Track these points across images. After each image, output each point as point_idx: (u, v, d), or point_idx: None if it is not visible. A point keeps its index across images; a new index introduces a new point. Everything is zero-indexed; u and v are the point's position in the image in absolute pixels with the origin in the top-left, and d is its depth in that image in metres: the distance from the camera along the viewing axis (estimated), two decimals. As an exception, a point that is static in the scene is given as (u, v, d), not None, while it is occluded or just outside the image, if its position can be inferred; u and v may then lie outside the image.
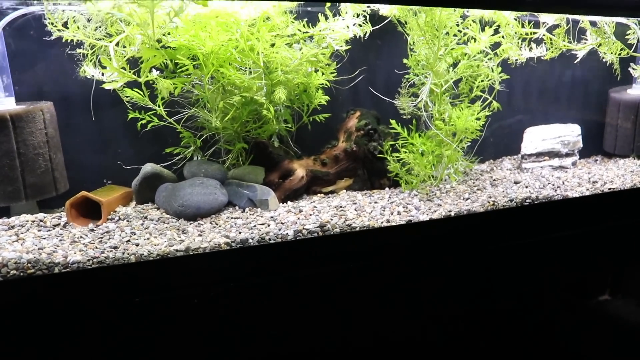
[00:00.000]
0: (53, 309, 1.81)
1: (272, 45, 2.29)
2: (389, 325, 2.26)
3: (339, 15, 2.42)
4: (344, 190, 2.56)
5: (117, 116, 2.42)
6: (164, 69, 2.24)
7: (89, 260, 1.86)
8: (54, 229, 2.11)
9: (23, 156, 2.18)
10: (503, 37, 2.62)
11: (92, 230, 2.09)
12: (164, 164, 2.46)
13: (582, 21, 2.83)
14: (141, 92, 2.24)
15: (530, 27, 2.71)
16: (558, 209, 2.53)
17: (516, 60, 2.75)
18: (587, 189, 2.62)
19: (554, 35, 2.80)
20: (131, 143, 2.50)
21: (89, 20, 2.14)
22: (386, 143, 2.54)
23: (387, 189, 2.59)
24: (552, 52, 2.82)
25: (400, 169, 2.50)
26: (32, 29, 2.25)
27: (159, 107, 2.30)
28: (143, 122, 2.33)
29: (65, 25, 2.13)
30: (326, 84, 2.48)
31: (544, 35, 2.78)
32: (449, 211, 2.33)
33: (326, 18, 2.39)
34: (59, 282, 1.84)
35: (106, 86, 2.11)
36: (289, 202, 2.39)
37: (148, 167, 2.36)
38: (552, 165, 2.96)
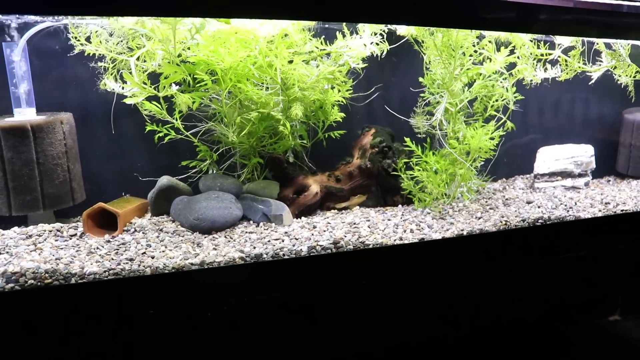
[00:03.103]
0: (70, 319, 1.83)
1: (290, 62, 2.32)
2: (400, 342, 2.26)
3: (357, 33, 2.44)
4: (358, 207, 2.57)
5: (134, 128, 2.45)
6: (182, 82, 2.27)
7: (105, 271, 1.88)
8: (70, 239, 2.13)
9: (42, 166, 2.21)
10: (518, 57, 2.64)
11: (108, 241, 2.11)
12: (179, 177, 2.48)
13: (597, 43, 2.85)
14: (159, 105, 2.27)
15: (546, 48, 2.72)
16: (570, 230, 2.54)
17: (531, 81, 2.77)
18: (600, 210, 2.62)
19: (569, 57, 2.81)
20: (147, 155, 2.53)
21: (110, 35, 2.17)
22: (400, 160, 2.56)
23: (400, 206, 2.60)
24: (567, 73, 2.83)
25: (414, 186, 2.51)
26: (54, 41, 2.29)
27: (177, 120, 2.33)
28: (160, 134, 2.35)
29: (87, 39, 2.17)
30: (342, 101, 2.50)
31: (559, 56, 2.79)
32: (462, 230, 2.34)
33: (343, 36, 2.41)
34: (75, 293, 1.86)
35: (127, 101, 2.14)
36: (302, 218, 2.41)
37: (164, 180, 2.39)
38: (565, 185, 2.96)
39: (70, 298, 1.85)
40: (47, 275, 1.84)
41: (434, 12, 2.08)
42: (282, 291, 2.05)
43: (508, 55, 2.52)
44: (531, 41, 2.67)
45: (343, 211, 2.53)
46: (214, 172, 2.50)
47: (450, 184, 2.57)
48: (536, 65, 2.76)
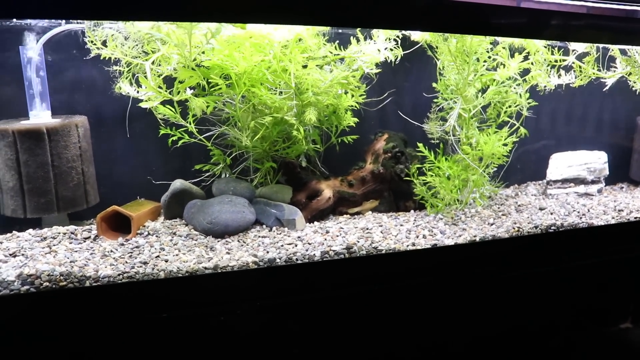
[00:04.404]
0: (84, 322, 1.84)
1: (304, 66, 2.32)
2: (412, 347, 2.26)
3: (370, 38, 2.44)
4: (370, 212, 2.57)
5: (147, 131, 2.46)
6: (196, 86, 2.28)
7: (119, 274, 1.89)
8: (84, 241, 2.14)
9: (57, 169, 2.22)
10: (532, 63, 2.63)
11: (122, 244, 2.12)
12: (192, 180, 2.49)
13: (612, 49, 2.83)
14: (173, 109, 2.28)
15: (560, 54, 2.71)
16: (583, 237, 2.52)
17: (545, 87, 2.76)
18: (613, 217, 2.60)
19: (583, 63, 2.80)
20: (160, 158, 2.54)
21: (126, 39, 2.18)
22: (413, 166, 2.55)
23: (412, 211, 2.60)
24: (581, 79, 2.82)
25: (426, 192, 2.51)
26: (69, 45, 2.31)
27: (190, 124, 2.33)
28: (174, 138, 2.36)
29: (103, 43, 2.18)
30: (355, 106, 2.50)
31: (573, 62, 2.78)
32: (474, 236, 2.33)
33: (357, 41, 2.41)
34: (90, 296, 1.87)
35: (143, 105, 2.15)
36: (315, 222, 2.41)
37: (178, 183, 2.40)
38: (578, 192, 2.94)
39: (84, 301, 1.86)
40: (62, 277, 1.85)
41: (449, 19, 2.08)
42: (295, 296, 2.05)
43: (522, 62, 2.52)
44: (545, 47, 2.66)
45: (355, 216, 2.53)
46: (227, 176, 2.51)
47: (463, 189, 2.57)
48: (550, 71, 2.75)
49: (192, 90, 2.23)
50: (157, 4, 1.65)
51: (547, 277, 2.43)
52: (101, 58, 2.22)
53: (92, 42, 2.16)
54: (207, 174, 2.51)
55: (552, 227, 2.48)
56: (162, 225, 2.32)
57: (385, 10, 1.97)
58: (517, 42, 2.63)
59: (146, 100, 2.10)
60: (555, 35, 2.42)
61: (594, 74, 2.83)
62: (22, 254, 1.99)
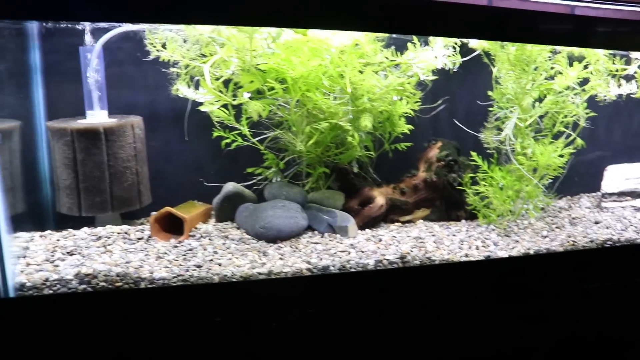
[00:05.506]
0: (139, 323, 1.85)
1: (360, 72, 2.30)
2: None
3: (427, 44, 2.40)
4: (421, 220, 2.53)
5: (200, 133, 2.47)
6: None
7: (174, 277, 1.89)
8: (137, 242, 2.15)
9: (112, 169, 2.24)
10: (592, 73, 2.56)
11: (175, 246, 2.12)
12: (243, 184, 2.48)
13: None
14: (227, 112, 2.28)
15: (622, 63, 2.64)
16: (640, 253, 2.46)
17: (605, 97, 2.68)
18: (673, 234, 2.53)
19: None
20: (212, 160, 2.54)
21: (185, 41, 2.19)
22: (466, 175, 2.51)
23: (463, 221, 2.56)
24: (643, 89, 2.74)
25: (479, 202, 2.47)
26: (128, 46, 2.33)
27: (244, 127, 2.33)
28: (227, 141, 2.36)
29: (163, 45, 2.19)
30: (410, 113, 2.47)
31: (635, 72, 2.70)
32: (528, 249, 2.28)
33: (415, 46, 2.38)
34: (145, 297, 1.88)
35: (203, 108, 2.15)
36: (367, 230, 2.38)
37: (230, 186, 2.39)
38: (635, 206, 2.86)
39: (140, 302, 1.87)
40: (118, 278, 1.86)
41: (505, 27, 2.06)
42: (348, 304, 2.03)
43: (582, 70, 2.45)
44: (606, 56, 2.59)
45: (406, 224, 2.49)
46: (278, 180, 2.50)
47: (516, 200, 2.52)
48: (610, 81, 2.67)
49: (247, 94, 2.22)
50: (225, 9, 1.66)
51: (602, 293, 2.36)
52: (160, 60, 2.23)
53: (151, 44, 2.17)
54: (259, 178, 2.51)
55: (609, 242, 2.41)
56: (214, 228, 2.32)
57: (443, 19, 1.96)
58: (576, 50, 2.56)
59: (208, 104, 2.10)
60: (611, 44, 2.36)
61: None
62: (79, 253, 2.01)
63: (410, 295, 2.10)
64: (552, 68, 2.46)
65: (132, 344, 1.84)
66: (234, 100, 2.17)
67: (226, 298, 1.93)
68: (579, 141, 2.56)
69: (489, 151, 2.62)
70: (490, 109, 2.60)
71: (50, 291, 1.80)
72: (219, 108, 2.24)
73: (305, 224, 2.28)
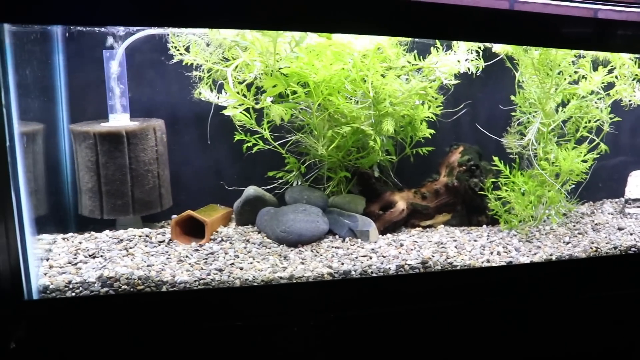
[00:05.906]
0: (160, 327, 1.85)
1: (382, 76, 2.29)
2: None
3: (450, 48, 2.39)
4: (442, 225, 2.51)
5: (221, 137, 2.47)
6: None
7: (195, 281, 1.89)
8: (159, 245, 2.16)
9: (134, 171, 2.25)
10: (617, 77, 2.53)
11: (197, 250, 2.12)
12: (264, 187, 2.48)
13: None
14: (248, 115, 2.28)
15: (647, 68, 2.60)
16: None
17: (630, 102, 2.64)
18: (698, 242, 2.49)
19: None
20: (233, 164, 2.54)
21: (207, 45, 2.19)
22: (487, 180, 2.49)
23: (484, 226, 2.54)
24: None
25: (501, 207, 2.44)
26: (151, 50, 2.34)
27: (265, 130, 2.33)
28: (249, 144, 2.36)
29: (186, 49, 2.19)
30: (432, 117, 2.45)
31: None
32: (550, 255, 2.26)
33: (437, 51, 2.37)
34: (167, 301, 1.88)
35: (226, 112, 2.15)
36: (388, 235, 2.37)
37: (251, 190, 2.39)
38: (659, 212, 2.83)
39: (161, 305, 1.87)
40: (139, 281, 1.87)
41: (530, 31, 2.04)
42: (370, 309, 2.02)
43: (606, 75, 2.43)
44: (631, 60, 2.55)
45: (427, 229, 2.48)
46: (299, 183, 2.49)
47: (538, 206, 2.49)
48: (635, 85, 2.64)
49: (270, 98, 2.22)
50: (250, 12, 1.66)
51: (625, 300, 2.32)
52: (183, 64, 2.24)
53: (175, 47, 2.18)
54: (281, 182, 2.50)
55: (632, 249, 2.38)
56: (235, 231, 2.32)
57: (466, 23, 1.95)
58: (601, 54, 2.53)
59: (232, 108, 2.10)
60: (636, 47, 2.33)
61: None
62: (101, 256, 2.01)
63: (431, 300, 2.09)
64: (576, 72, 2.44)
65: (153, 347, 1.84)
66: (257, 104, 2.17)
67: (247, 302, 1.93)
68: (603, 146, 2.53)
69: (511, 156, 2.60)
70: (513, 113, 2.58)
71: (73, 294, 1.81)
72: (241, 112, 2.24)
73: (327, 228, 2.27)
